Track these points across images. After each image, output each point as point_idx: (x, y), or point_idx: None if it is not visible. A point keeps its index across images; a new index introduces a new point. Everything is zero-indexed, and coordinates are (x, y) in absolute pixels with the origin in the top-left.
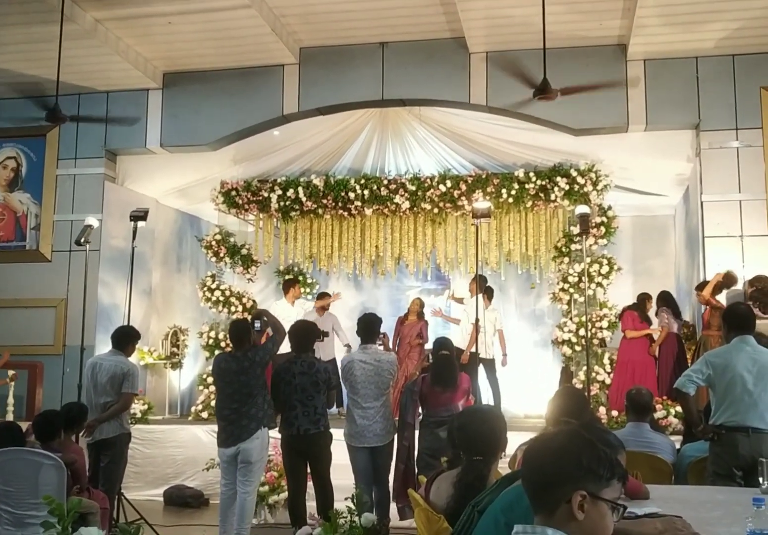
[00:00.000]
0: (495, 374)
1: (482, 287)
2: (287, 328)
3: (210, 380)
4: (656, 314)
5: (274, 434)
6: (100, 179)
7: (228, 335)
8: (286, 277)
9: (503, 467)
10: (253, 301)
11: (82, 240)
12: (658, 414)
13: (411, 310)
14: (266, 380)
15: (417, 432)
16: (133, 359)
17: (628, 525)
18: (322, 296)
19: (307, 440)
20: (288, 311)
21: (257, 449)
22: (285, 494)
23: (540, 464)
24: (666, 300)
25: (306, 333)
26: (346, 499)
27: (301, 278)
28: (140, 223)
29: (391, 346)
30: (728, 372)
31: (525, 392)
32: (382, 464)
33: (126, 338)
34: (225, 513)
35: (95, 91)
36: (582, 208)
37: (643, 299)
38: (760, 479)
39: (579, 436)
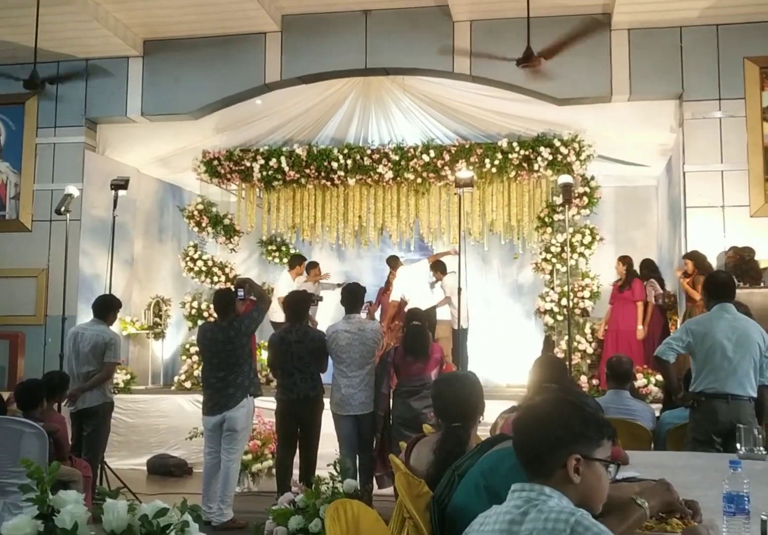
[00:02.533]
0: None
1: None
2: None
3: (193, 349)
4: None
5: (259, 403)
6: (81, 148)
7: (212, 305)
8: (292, 253)
9: (484, 434)
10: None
11: (63, 209)
12: (639, 382)
13: (391, 280)
14: (252, 349)
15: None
16: (116, 328)
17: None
18: (313, 265)
19: (303, 404)
20: (289, 286)
21: (243, 418)
22: (268, 463)
23: (530, 433)
24: (651, 269)
25: (299, 303)
26: (328, 466)
27: (284, 248)
28: (121, 192)
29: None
30: (708, 340)
31: (507, 361)
32: (366, 432)
33: (107, 307)
34: (208, 481)
35: (74, 59)
36: (565, 178)
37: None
38: (738, 445)
39: (564, 401)
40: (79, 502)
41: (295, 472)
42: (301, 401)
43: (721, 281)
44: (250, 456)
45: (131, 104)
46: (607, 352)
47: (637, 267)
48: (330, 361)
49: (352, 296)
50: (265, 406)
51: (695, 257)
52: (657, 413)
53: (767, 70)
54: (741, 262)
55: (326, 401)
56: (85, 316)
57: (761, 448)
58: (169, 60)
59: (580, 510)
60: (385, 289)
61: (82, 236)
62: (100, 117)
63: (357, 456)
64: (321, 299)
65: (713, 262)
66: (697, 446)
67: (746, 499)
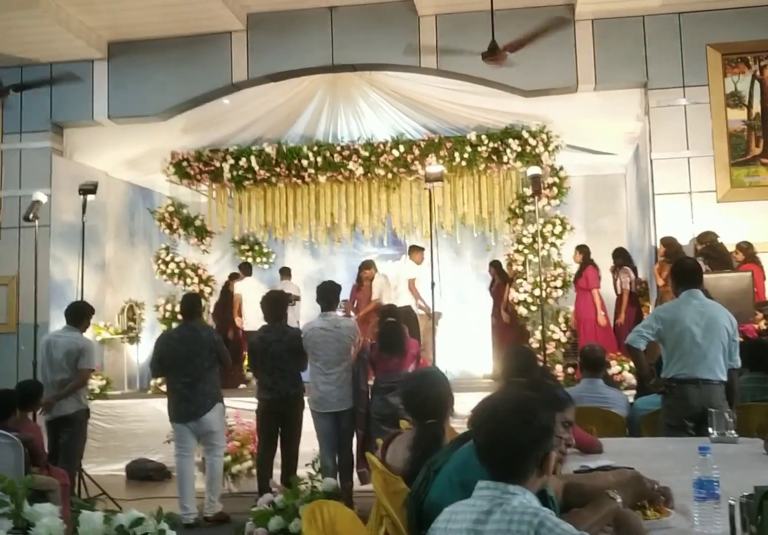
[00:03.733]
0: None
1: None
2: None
3: None
4: (613, 271)
5: (237, 403)
6: (47, 153)
7: (181, 308)
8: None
9: (462, 427)
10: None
11: (31, 216)
12: (613, 369)
13: (363, 276)
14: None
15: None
16: (90, 334)
17: (582, 479)
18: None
19: (285, 402)
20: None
21: (217, 417)
22: (248, 464)
23: (507, 439)
24: (625, 257)
25: (276, 302)
26: (307, 465)
27: (256, 247)
28: (90, 197)
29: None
30: (677, 326)
31: (483, 352)
32: (345, 429)
33: (80, 314)
34: (183, 482)
35: (38, 63)
36: (533, 170)
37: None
38: (710, 429)
39: (531, 400)
40: (55, 515)
41: (277, 472)
42: (283, 399)
43: (688, 267)
44: (229, 457)
45: (98, 107)
46: (580, 341)
47: (609, 256)
48: None
49: (328, 293)
50: (242, 406)
51: (669, 244)
52: (631, 400)
53: (729, 56)
54: (709, 249)
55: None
56: (58, 322)
57: (732, 431)
58: (135, 62)
59: (543, 510)
60: (359, 286)
61: (52, 242)
62: (66, 121)
63: (338, 453)
64: (298, 298)
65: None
66: (671, 432)
67: (716, 484)
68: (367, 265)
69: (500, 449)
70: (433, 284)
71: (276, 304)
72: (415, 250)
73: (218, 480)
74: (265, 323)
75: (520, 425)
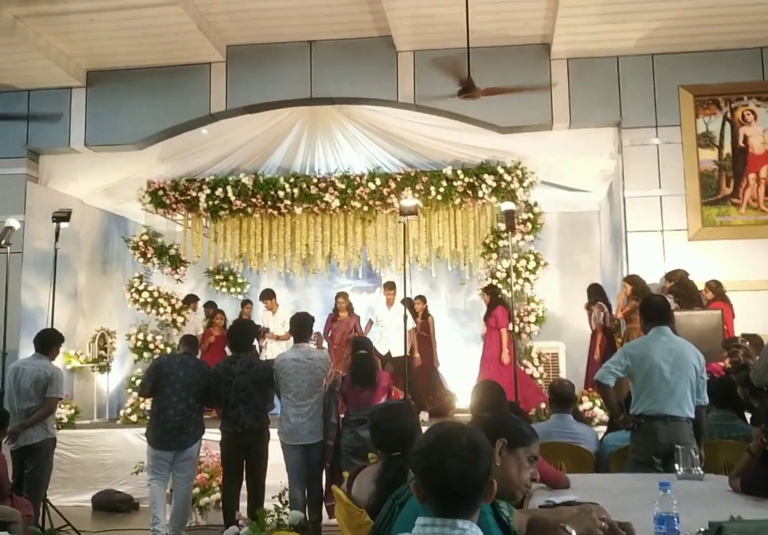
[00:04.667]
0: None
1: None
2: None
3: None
4: (587, 307)
5: (206, 435)
6: (22, 179)
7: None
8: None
9: None
10: (184, 300)
11: (3, 242)
12: (584, 405)
13: (339, 307)
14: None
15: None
16: (60, 362)
17: (546, 514)
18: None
19: (249, 436)
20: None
21: (198, 446)
22: (216, 496)
23: (461, 475)
24: (599, 293)
25: (243, 333)
26: (273, 498)
27: (231, 277)
28: (63, 225)
29: (325, 345)
30: (646, 362)
31: (455, 386)
32: (315, 462)
33: (49, 342)
34: (157, 504)
35: (16, 89)
36: (507, 206)
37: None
38: (677, 465)
39: (478, 434)
40: None
41: (244, 504)
42: (246, 432)
43: (657, 304)
44: (197, 489)
45: (74, 135)
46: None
47: (583, 292)
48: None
49: (301, 324)
50: (211, 438)
51: (634, 281)
52: (600, 436)
53: (701, 98)
54: (680, 287)
55: (273, 432)
56: (27, 350)
57: (699, 468)
58: (113, 90)
59: None
60: (335, 316)
61: (24, 269)
62: (42, 148)
63: (307, 486)
64: (267, 330)
65: (653, 285)
66: (638, 468)
67: (676, 520)
68: (342, 295)
69: (454, 485)
70: (406, 317)
71: (243, 334)
72: (387, 289)
73: (186, 511)
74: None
75: (474, 462)
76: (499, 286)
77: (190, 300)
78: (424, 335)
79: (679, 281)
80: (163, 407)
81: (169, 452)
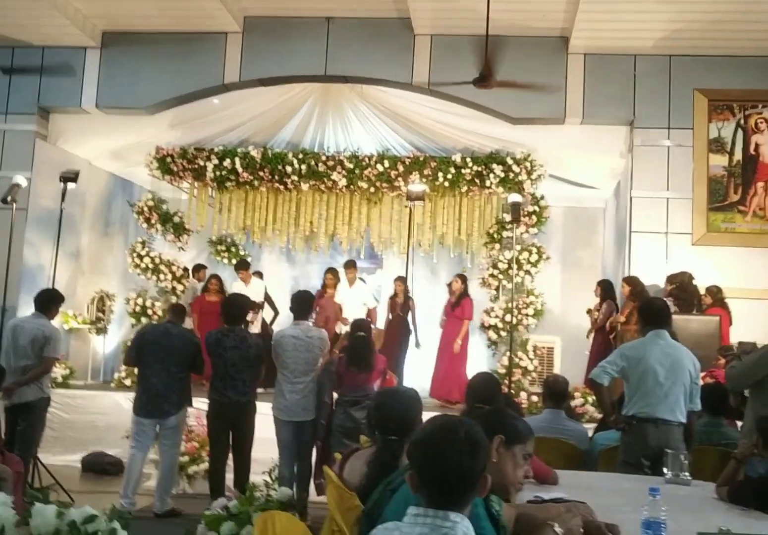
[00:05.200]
0: None
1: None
2: None
3: None
4: (600, 300)
5: (198, 404)
6: (31, 137)
7: (171, 308)
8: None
9: None
10: (184, 269)
11: (9, 198)
12: (576, 402)
13: (327, 284)
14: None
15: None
16: (57, 323)
17: (534, 510)
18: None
19: (233, 409)
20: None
21: (182, 415)
22: (205, 465)
23: (457, 469)
24: (611, 291)
25: (238, 306)
26: (264, 473)
27: (233, 249)
28: (70, 185)
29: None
30: (641, 365)
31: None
32: (306, 439)
33: (49, 301)
34: (131, 473)
35: (30, 46)
36: (514, 197)
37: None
38: (665, 469)
39: (475, 428)
40: (7, 505)
41: (231, 476)
42: (232, 405)
43: (657, 307)
44: (186, 458)
45: (86, 95)
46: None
47: (583, 287)
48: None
49: (301, 302)
50: (202, 407)
51: (633, 283)
52: (590, 434)
53: (715, 102)
54: (681, 291)
55: (262, 406)
56: (26, 308)
57: (686, 473)
58: (128, 53)
59: None
60: (322, 292)
61: (27, 226)
62: (53, 106)
63: (297, 463)
64: (262, 307)
65: (655, 286)
66: (627, 468)
67: (663, 526)
68: (331, 271)
69: (451, 478)
70: (411, 300)
71: (238, 308)
72: (348, 268)
73: (171, 478)
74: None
75: (471, 457)
76: (500, 276)
77: (198, 269)
78: (400, 316)
79: (680, 285)
80: (146, 375)
81: (151, 420)
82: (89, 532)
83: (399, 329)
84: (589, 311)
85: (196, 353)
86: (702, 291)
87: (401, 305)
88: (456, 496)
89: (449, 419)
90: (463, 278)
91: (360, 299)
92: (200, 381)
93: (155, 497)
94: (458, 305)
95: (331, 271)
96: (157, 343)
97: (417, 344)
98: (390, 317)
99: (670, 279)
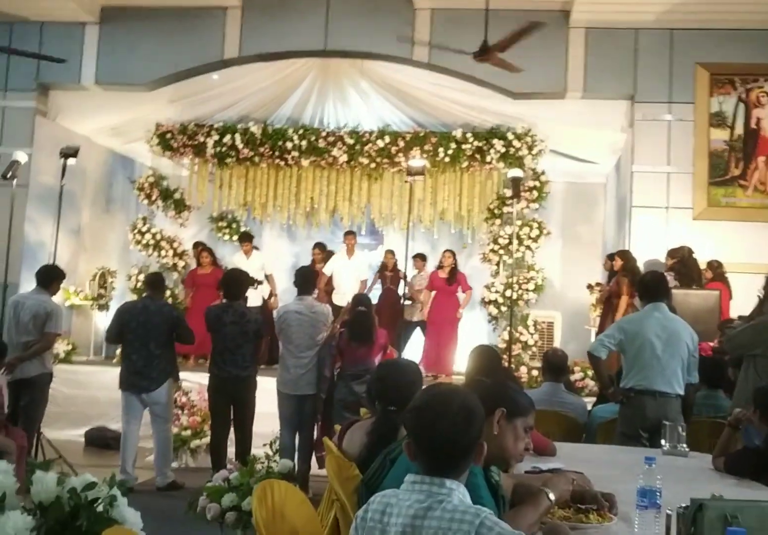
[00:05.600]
0: None
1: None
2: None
3: None
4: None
5: (200, 378)
6: (31, 113)
7: (148, 282)
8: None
9: None
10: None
11: (9, 174)
12: (576, 376)
13: (315, 259)
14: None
15: None
16: (59, 299)
17: (531, 479)
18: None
19: (233, 383)
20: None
21: (165, 390)
22: (207, 439)
23: (453, 436)
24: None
25: (237, 281)
26: (265, 445)
27: (234, 225)
28: (70, 161)
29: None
30: (639, 338)
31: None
32: (308, 413)
33: (51, 277)
34: (126, 446)
35: (28, 21)
36: (514, 172)
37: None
38: (663, 441)
39: (471, 396)
40: (9, 472)
41: (233, 449)
42: (231, 380)
43: (654, 281)
44: (189, 432)
45: (85, 72)
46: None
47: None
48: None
49: (304, 278)
50: (204, 381)
51: (626, 258)
52: (589, 407)
53: (717, 76)
54: (681, 266)
55: (262, 380)
56: (27, 284)
57: (684, 445)
58: (127, 29)
59: (483, 510)
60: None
61: (28, 203)
62: (52, 83)
63: (298, 435)
64: (261, 282)
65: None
66: (625, 441)
67: (658, 494)
68: (319, 246)
69: (445, 446)
70: (405, 277)
71: (237, 283)
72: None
73: (167, 452)
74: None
75: (465, 423)
76: (501, 251)
77: (197, 246)
78: (392, 289)
79: (681, 259)
80: (128, 353)
81: (135, 396)
82: (89, 499)
83: (391, 302)
84: (589, 287)
85: (177, 325)
86: (702, 266)
87: (391, 277)
88: (452, 463)
89: (444, 387)
90: (453, 253)
91: (357, 270)
92: (200, 356)
93: (155, 471)
94: (454, 280)
95: (319, 246)
96: (135, 320)
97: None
98: (381, 290)
99: (671, 254)
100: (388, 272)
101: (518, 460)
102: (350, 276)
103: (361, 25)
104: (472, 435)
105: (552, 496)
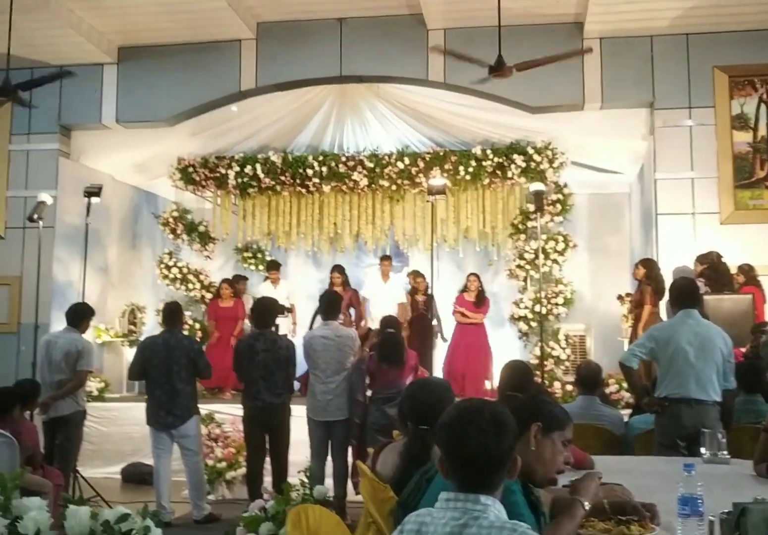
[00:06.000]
0: None
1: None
2: None
3: None
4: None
5: (233, 409)
6: (54, 155)
7: (163, 316)
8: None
9: None
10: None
11: (35, 216)
12: (611, 388)
13: (334, 282)
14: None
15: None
16: (90, 336)
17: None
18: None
19: (269, 412)
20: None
21: (193, 424)
22: (242, 470)
23: (485, 451)
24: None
25: (266, 309)
26: (299, 473)
27: (259, 255)
28: (94, 200)
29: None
30: (671, 345)
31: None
32: (340, 438)
33: (80, 315)
34: (160, 480)
35: (48, 66)
36: (536, 186)
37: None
38: (702, 449)
39: (503, 410)
40: (43, 508)
41: (269, 479)
42: (266, 408)
43: (684, 287)
44: (224, 464)
45: (106, 111)
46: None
47: (612, 273)
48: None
49: (330, 302)
50: (237, 413)
51: (649, 266)
52: (626, 419)
53: (736, 79)
54: (711, 271)
55: (297, 408)
56: (58, 324)
57: (725, 452)
58: (144, 67)
59: (521, 526)
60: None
61: (55, 243)
62: (74, 124)
63: (332, 462)
64: (291, 310)
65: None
66: (663, 451)
67: (700, 501)
68: (337, 269)
69: (477, 459)
70: (432, 297)
71: (266, 311)
72: (384, 261)
73: (201, 484)
74: (256, 330)
75: (497, 437)
76: (527, 267)
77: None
78: (423, 314)
79: (711, 264)
80: (151, 388)
81: (163, 431)
82: (123, 531)
83: (423, 325)
84: (620, 297)
85: (196, 358)
86: (733, 270)
87: (423, 301)
88: (485, 478)
89: (474, 401)
90: (478, 277)
91: (393, 294)
92: (231, 389)
93: (191, 504)
94: (482, 304)
95: (337, 269)
96: (157, 356)
97: (443, 339)
98: (410, 313)
99: (700, 259)
100: (419, 296)
101: (558, 474)
102: (387, 300)
103: (376, 49)
104: (504, 447)
105: (586, 503)
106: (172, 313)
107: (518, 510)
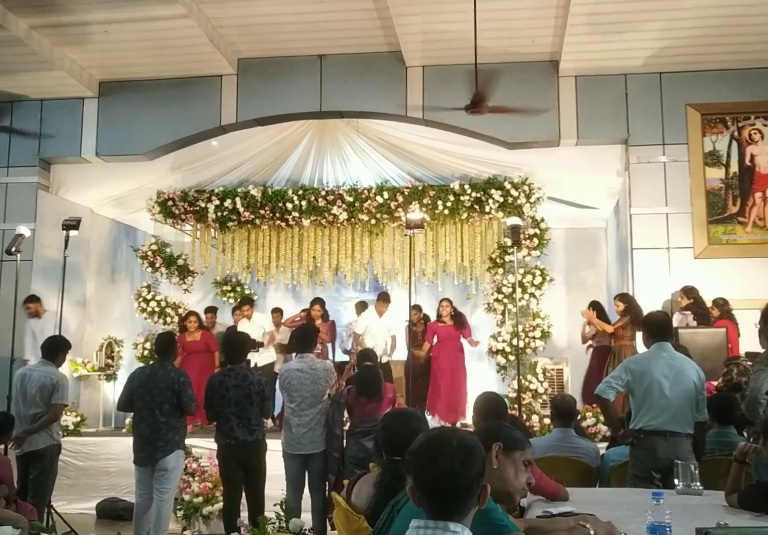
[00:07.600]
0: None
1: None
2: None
3: None
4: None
5: (210, 444)
6: (33, 188)
7: (155, 345)
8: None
9: None
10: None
11: (13, 249)
12: (588, 421)
13: (314, 315)
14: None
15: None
16: (67, 370)
17: (543, 523)
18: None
19: (243, 449)
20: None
21: (173, 457)
22: (219, 505)
23: (454, 478)
24: (599, 310)
25: (238, 344)
26: (275, 506)
27: (238, 288)
28: (72, 233)
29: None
30: (646, 378)
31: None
32: (317, 471)
33: (56, 348)
34: (138, 522)
35: (29, 99)
36: (513, 220)
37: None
38: (676, 481)
39: (470, 437)
40: None
41: (245, 513)
42: (239, 446)
43: (659, 320)
44: (201, 498)
45: (86, 145)
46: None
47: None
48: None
49: (304, 335)
50: (214, 447)
51: (627, 300)
52: (602, 451)
53: (708, 116)
54: (696, 305)
55: (272, 443)
56: (35, 359)
57: (698, 483)
58: (125, 101)
59: None
60: None
61: (33, 276)
62: (54, 157)
63: (310, 496)
64: (262, 344)
65: (666, 302)
66: (638, 483)
67: (668, 529)
68: (316, 302)
69: (446, 486)
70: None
71: (238, 345)
72: (383, 301)
73: (165, 524)
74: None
75: (465, 461)
76: (505, 300)
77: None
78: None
79: (695, 299)
80: (136, 421)
81: (144, 468)
82: None
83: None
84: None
85: (181, 392)
86: (708, 304)
87: (422, 333)
88: (454, 505)
89: (442, 430)
90: (450, 301)
91: (386, 327)
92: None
93: None
94: (461, 325)
95: (318, 302)
96: (143, 387)
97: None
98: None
99: (686, 293)
100: (418, 329)
101: (522, 494)
102: (381, 332)
103: (355, 85)
104: (473, 473)
105: (592, 531)
106: (163, 344)
107: (494, 515)
